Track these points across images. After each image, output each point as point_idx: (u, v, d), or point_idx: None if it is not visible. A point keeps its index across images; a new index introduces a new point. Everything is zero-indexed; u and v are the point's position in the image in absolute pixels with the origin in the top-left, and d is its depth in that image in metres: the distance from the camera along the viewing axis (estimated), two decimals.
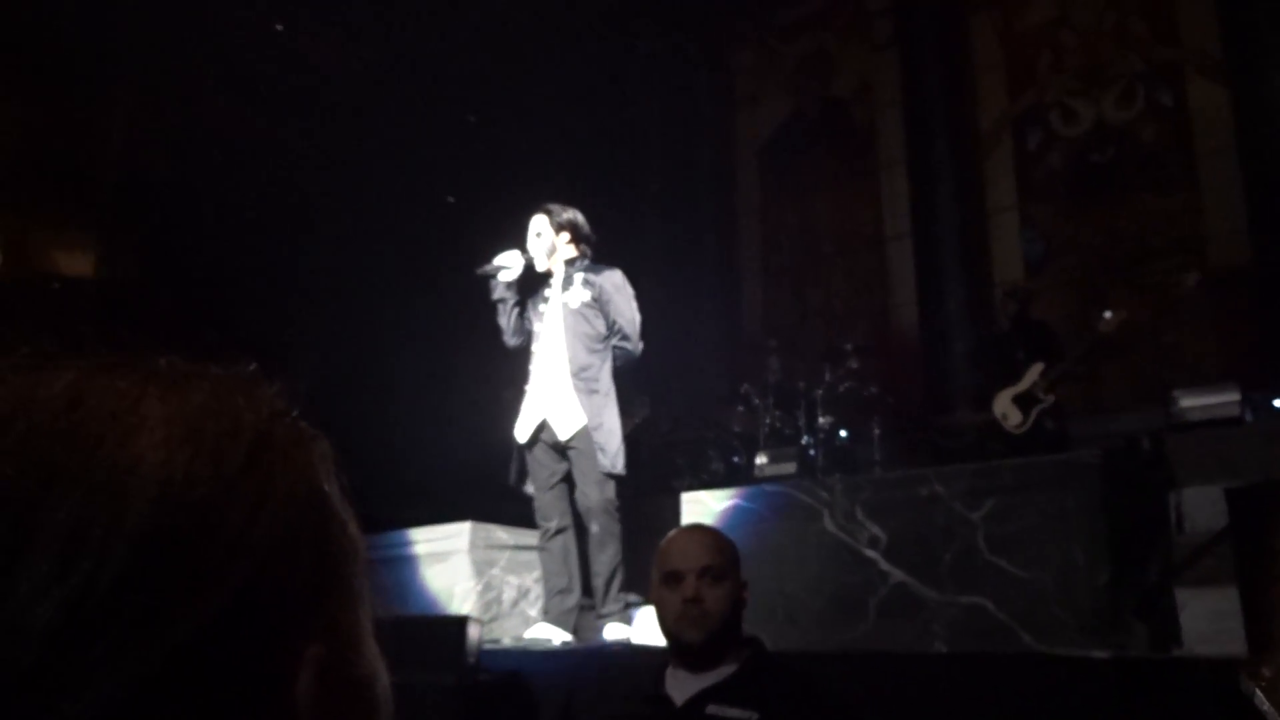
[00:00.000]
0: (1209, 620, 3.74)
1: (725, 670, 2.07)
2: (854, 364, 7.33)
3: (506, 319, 4.40)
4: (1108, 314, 6.22)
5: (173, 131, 7.59)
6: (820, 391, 7.23)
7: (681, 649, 2.13)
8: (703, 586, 2.10)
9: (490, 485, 7.01)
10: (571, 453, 4.17)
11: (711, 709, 1.99)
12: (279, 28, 7.90)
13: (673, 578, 2.14)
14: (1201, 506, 4.58)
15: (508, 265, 4.33)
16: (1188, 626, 3.61)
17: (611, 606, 4.05)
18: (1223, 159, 7.53)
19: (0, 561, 0.39)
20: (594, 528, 4.07)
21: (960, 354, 8.23)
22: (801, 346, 8.63)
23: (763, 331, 9.40)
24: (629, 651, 3.99)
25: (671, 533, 2.34)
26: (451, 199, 8.81)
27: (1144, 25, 8.16)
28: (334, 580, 0.47)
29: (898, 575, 3.43)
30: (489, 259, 4.38)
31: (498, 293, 4.39)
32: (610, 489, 4.12)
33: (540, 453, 4.25)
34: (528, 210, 4.51)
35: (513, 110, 8.97)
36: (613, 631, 3.98)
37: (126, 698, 0.39)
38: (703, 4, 10.31)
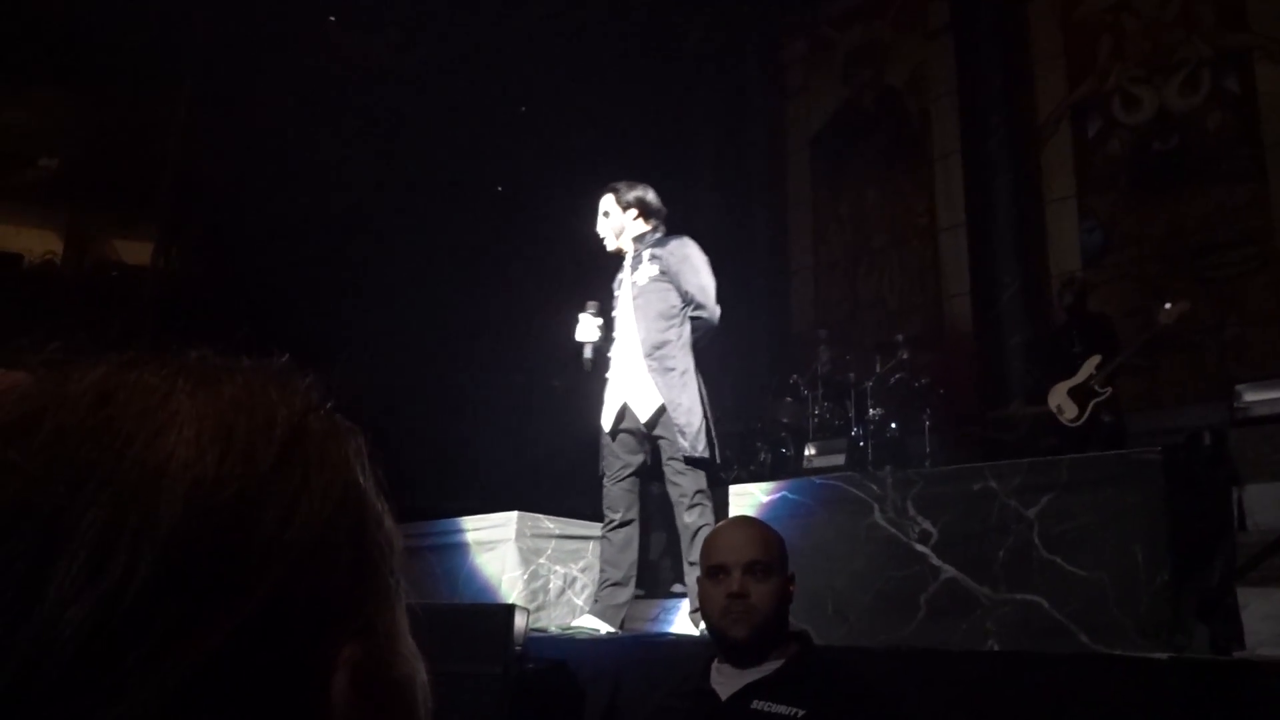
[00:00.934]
0: (1273, 622, 3.63)
1: (771, 665, 2.04)
2: (905, 355, 7.25)
3: (586, 359, 4.30)
4: (1168, 305, 6.09)
5: (230, 130, 7.71)
6: (870, 383, 7.16)
7: (726, 644, 2.10)
8: (749, 582, 2.07)
9: (539, 475, 7.06)
10: (651, 438, 4.06)
11: (757, 704, 1.97)
12: (332, 19, 7.97)
13: (719, 571, 2.12)
14: (1266, 504, 4.46)
15: (593, 339, 4.24)
16: (1250, 628, 3.50)
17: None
18: None
19: (29, 565, 0.38)
20: (686, 518, 3.93)
21: (1015, 346, 8.11)
22: (852, 338, 8.56)
23: (813, 323, 9.33)
24: (675, 642, 3.97)
25: (718, 524, 2.31)
26: (500, 188, 8.84)
27: (1210, 9, 7.94)
28: (370, 579, 0.46)
29: (949, 571, 3.37)
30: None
31: (587, 365, 4.27)
32: (701, 478, 3.96)
33: (620, 441, 4.13)
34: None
35: (565, 103, 8.99)
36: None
37: (160, 704, 0.37)
38: None
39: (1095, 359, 6.24)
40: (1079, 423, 6.20)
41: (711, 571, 2.13)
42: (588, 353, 4.24)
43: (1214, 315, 7.46)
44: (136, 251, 7.99)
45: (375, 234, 8.15)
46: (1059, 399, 6.32)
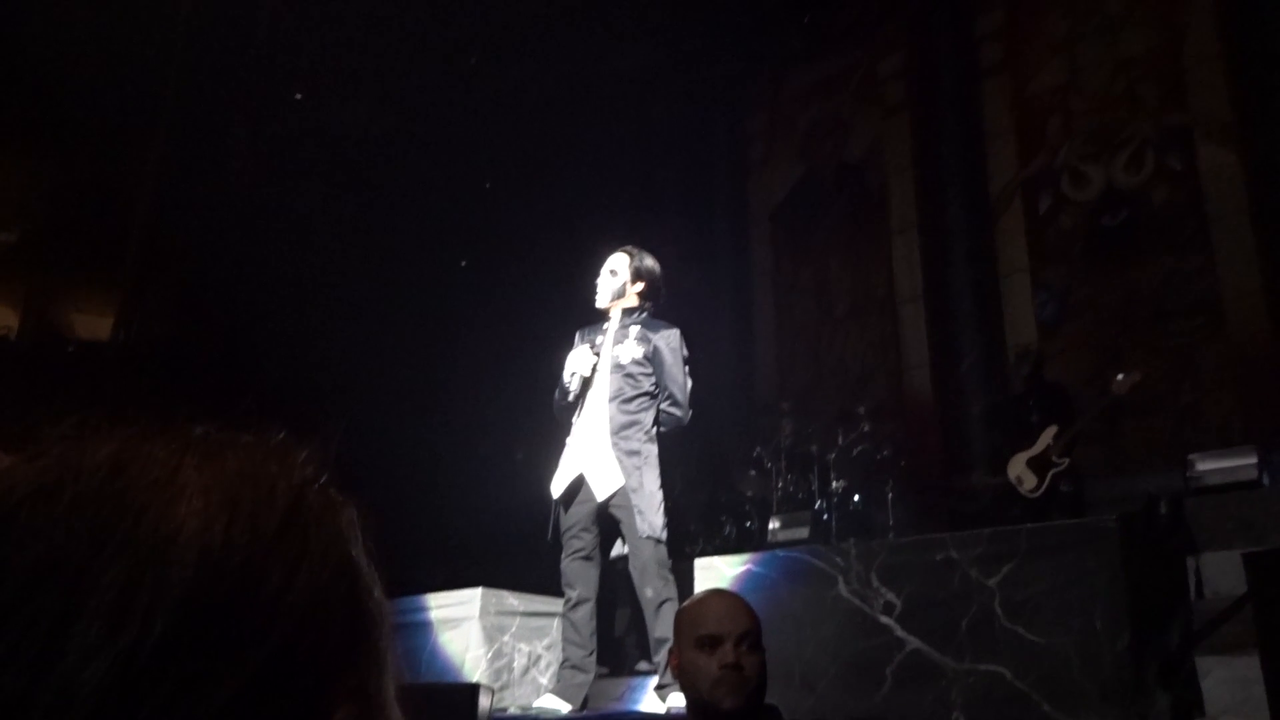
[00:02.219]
0: (1232, 688, 3.66)
1: None
2: (867, 427, 7.31)
3: (568, 405, 4.21)
4: (1121, 375, 6.21)
5: (197, 196, 7.71)
6: (833, 455, 7.21)
7: (717, 716, 2.10)
8: (742, 653, 2.07)
9: (503, 549, 7.00)
10: (615, 513, 4.00)
11: None
12: (298, 97, 8.05)
13: (710, 642, 2.10)
14: (1222, 571, 4.52)
15: (585, 373, 4.16)
16: (1210, 694, 3.53)
17: (672, 676, 3.82)
18: (1235, 222, 7.54)
19: (51, 625, 0.41)
20: (647, 592, 3.87)
21: (975, 416, 8.21)
22: (815, 409, 8.62)
23: (776, 394, 9.40)
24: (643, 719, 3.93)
25: (701, 594, 2.32)
26: (463, 262, 8.90)
27: (1153, 90, 8.23)
28: (363, 644, 0.49)
29: (914, 642, 3.38)
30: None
31: (571, 399, 4.19)
32: (662, 551, 3.91)
33: (574, 515, 4.06)
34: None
35: (531, 175, 9.10)
36: (676, 700, 3.70)
37: None
38: (718, 69, 10.48)
39: (1052, 429, 6.33)
40: (1038, 493, 6.26)
41: (703, 642, 2.11)
42: (574, 384, 4.16)
43: (1168, 383, 7.61)
44: (96, 325, 7.92)
45: (340, 301, 8.14)
46: (1018, 470, 6.39)
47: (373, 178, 8.59)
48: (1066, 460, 6.26)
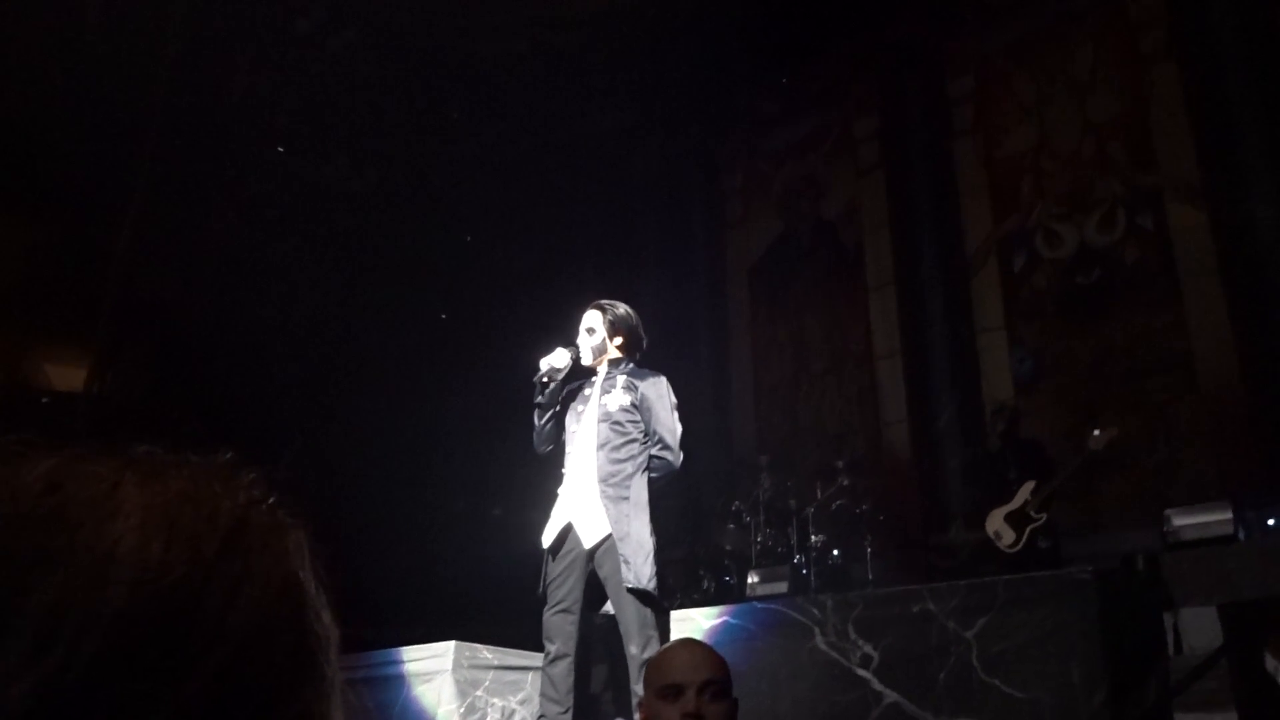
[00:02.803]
0: None
1: None
2: (845, 481, 7.31)
3: (543, 425, 4.19)
4: (1097, 432, 6.24)
5: (173, 251, 7.70)
6: (812, 509, 7.19)
7: None
8: (703, 703, 2.04)
9: (479, 605, 6.91)
10: (598, 566, 3.94)
11: None
12: (280, 150, 8.09)
13: (672, 691, 2.07)
14: (1199, 627, 4.50)
15: (559, 366, 4.13)
16: None
17: None
18: (1205, 280, 7.66)
19: None
20: (632, 649, 3.80)
21: (953, 471, 8.23)
22: (793, 462, 8.62)
23: (754, 448, 9.39)
24: None
25: (668, 644, 2.29)
26: (443, 316, 8.90)
27: (1123, 151, 8.40)
28: (308, 669, 0.47)
29: (891, 696, 3.35)
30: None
31: (547, 398, 4.16)
32: (647, 610, 3.83)
33: (560, 566, 4.01)
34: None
35: (511, 227, 9.15)
36: None
37: None
38: (693, 130, 10.63)
39: (1030, 485, 6.34)
40: (1016, 548, 6.25)
41: (664, 691, 2.08)
42: (545, 373, 4.12)
43: (1144, 439, 7.66)
44: (70, 377, 7.86)
45: (317, 356, 8.11)
46: (996, 525, 6.39)
47: (352, 232, 8.62)
48: (1044, 516, 6.26)
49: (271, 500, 0.51)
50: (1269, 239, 7.26)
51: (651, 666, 2.20)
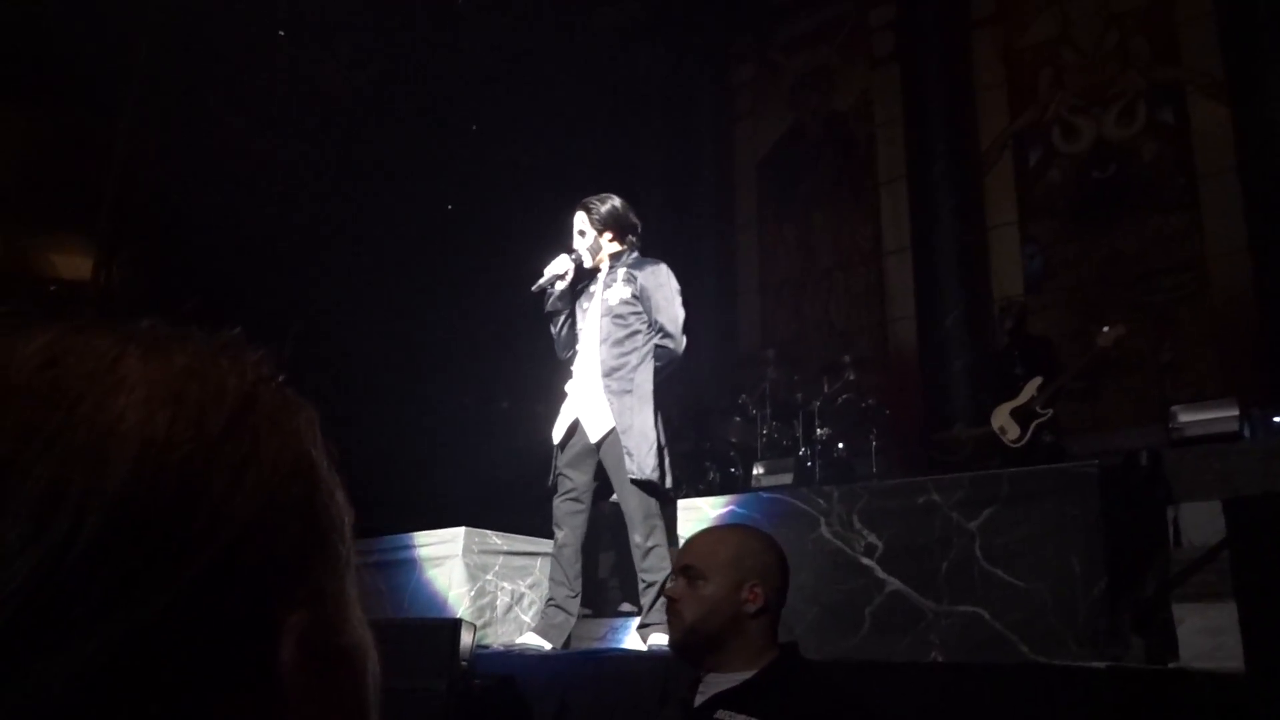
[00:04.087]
0: (1206, 635, 3.71)
1: (742, 675, 2.00)
2: (852, 376, 7.33)
3: (560, 331, 4.21)
4: (1106, 329, 6.23)
5: (176, 144, 7.60)
6: (818, 403, 7.23)
7: (669, 646, 2.14)
8: (680, 587, 2.06)
9: (488, 491, 7.02)
10: (604, 458, 3.99)
11: (721, 714, 1.94)
12: (281, 34, 7.91)
13: (672, 575, 2.14)
14: (1199, 521, 4.56)
15: (560, 273, 4.12)
16: (1185, 641, 3.59)
17: (656, 616, 3.81)
18: (1223, 179, 7.54)
19: None
20: (635, 537, 3.88)
21: (959, 369, 8.24)
22: (799, 359, 8.63)
23: (760, 344, 9.40)
24: (622, 658, 3.96)
25: None
26: (449, 206, 8.82)
27: (1145, 44, 8.19)
28: (320, 548, 0.46)
29: (894, 584, 3.41)
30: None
31: (551, 305, 4.18)
32: (651, 500, 3.90)
33: (569, 456, 4.07)
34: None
35: (517, 122, 9.01)
36: (656, 640, 3.75)
37: (103, 662, 0.38)
38: (704, 19, 10.36)
39: (1036, 381, 6.36)
40: (1020, 443, 6.31)
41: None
42: (545, 280, 4.12)
43: (1151, 340, 7.65)
44: (76, 266, 7.84)
45: (323, 253, 8.07)
46: (1001, 420, 6.43)
47: (355, 126, 8.49)
48: (1050, 411, 6.30)
49: (280, 378, 0.49)
50: None
51: None
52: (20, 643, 0.37)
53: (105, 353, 0.44)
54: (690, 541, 2.19)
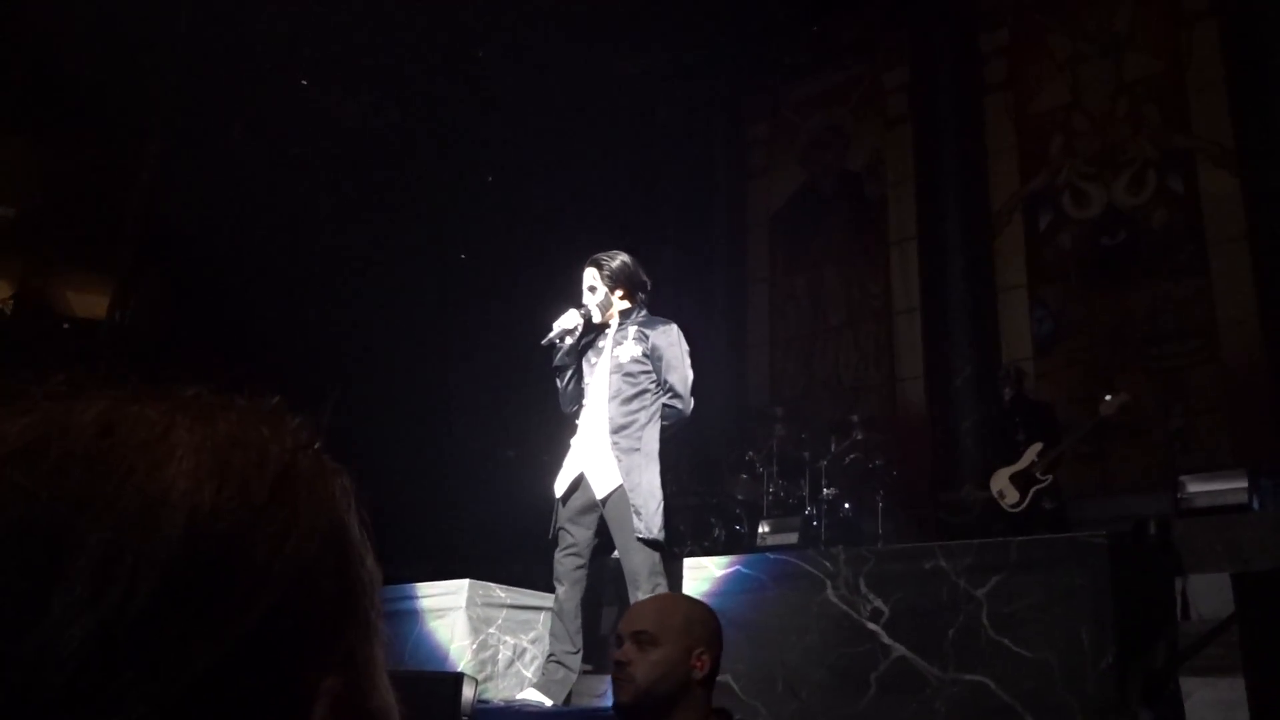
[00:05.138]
0: (1215, 710, 3.67)
1: None
2: (859, 435, 7.32)
3: (565, 385, 4.21)
4: (1109, 397, 6.24)
5: (197, 183, 7.70)
6: (825, 462, 7.21)
7: (615, 710, 2.17)
8: (632, 651, 2.10)
9: (492, 543, 7.00)
10: (607, 514, 3.98)
11: None
12: (304, 82, 8.04)
13: (616, 640, 2.19)
14: (1208, 594, 4.54)
15: (569, 328, 4.12)
16: (1193, 714, 3.55)
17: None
18: (1234, 247, 7.58)
19: (34, 585, 0.40)
20: (639, 594, 3.83)
21: (967, 430, 8.22)
22: (807, 416, 8.63)
23: (769, 399, 9.41)
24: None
25: None
26: (463, 255, 8.89)
27: (1156, 111, 8.27)
28: (352, 612, 0.48)
29: (899, 650, 3.38)
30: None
31: (560, 359, 4.18)
32: (655, 556, 3.90)
33: (571, 511, 4.06)
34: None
35: (534, 171, 9.10)
36: None
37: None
38: (720, 76, 10.50)
39: (1037, 446, 6.37)
40: (1019, 508, 6.30)
41: (615, 640, 2.21)
42: (555, 335, 4.12)
43: (1161, 405, 7.64)
44: (92, 304, 7.91)
45: (338, 294, 8.13)
46: (1001, 484, 6.43)
47: (374, 169, 8.59)
48: (1049, 478, 6.28)
49: (317, 445, 0.51)
50: None
51: None
52: (76, 704, 0.38)
53: (156, 423, 0.46)
54: (639, 608, 2.27)
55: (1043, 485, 6.28)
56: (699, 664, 2.11)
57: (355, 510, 0.51)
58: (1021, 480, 6.34)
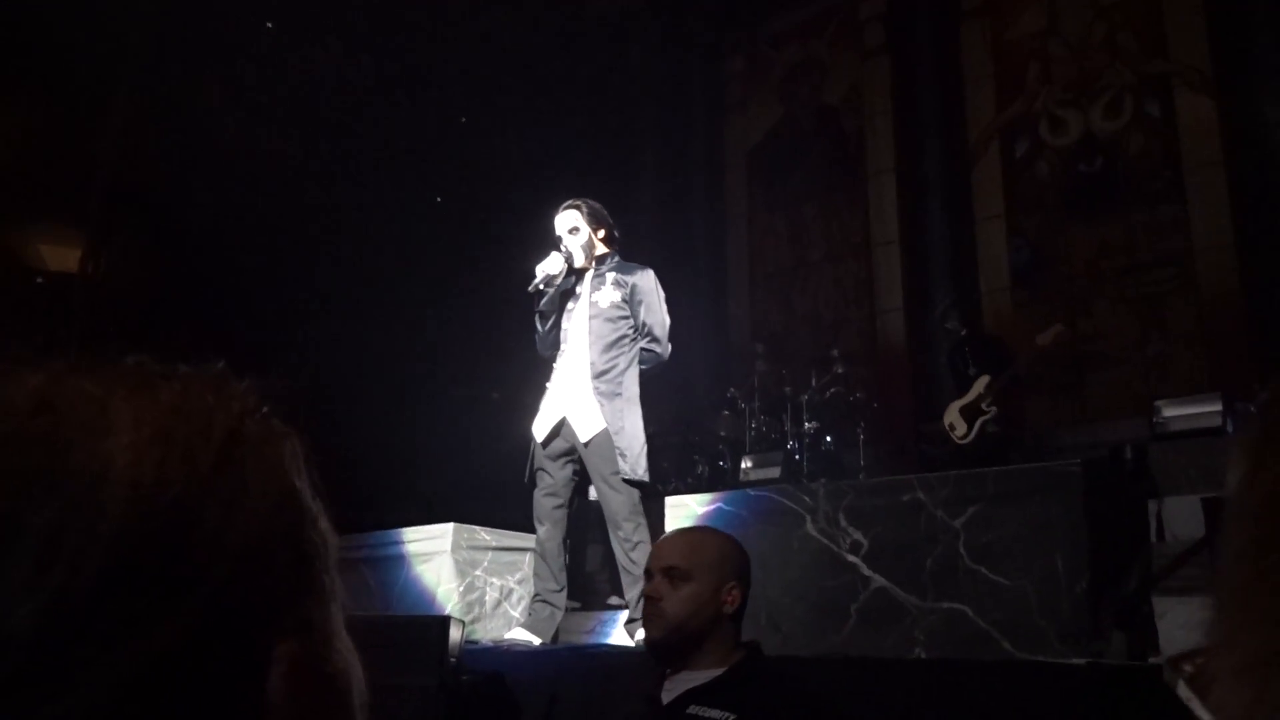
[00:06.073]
0: (1187, 629, 3.75)
1: (712, 673, 2.07)
2: (840, 370, 7.36)
3: (547, 330, 4.23)
4: (1046, 330, 6.37)
5: (167, 136, 7.57)
6: (806, 397, 7.25)
7: (645, 644, 2.19)
8: (663, 586, 2.11)
9: (477, 487, 7.03)
10: (589, 457, 4.04)
11: (692, 709, 2.00)
12: (269, 25, 7.87)
13: (645, 575, 2.20)
14: (1182, 516, 4.60)
15: (554, 272, 4.14)
16: (1166, 635, 3.62)
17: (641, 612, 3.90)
18: (1210, 173, 7.57)
19: None
20: (621, 533, 3.94)
21: (946, 361, 8.27)
22: (789, 352, 8.65)
23: (750, 336, 9.42)
24: (610, 653, 3.99)
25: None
26: (439, 199, 8.80)
27: (1133, 38, 8.20)
28: (307, 577, 0.48)
29: (879, 581, 3.44)
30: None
31: (544, 305, 4.19)
32: (636, 495, 3.98)
33: (551, 454, 4.12)
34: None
35: (508, 114, 8.99)
36: (643, 636, 3.85)
37: (108, 698, 0.39)
38: (695, 11, 10.35)
39: (985, 379, 6.48)
40: (967, 440, 6.43)
41: (646, 575, 2.20)
42: (540, 280, 4.13)
43: (1138, 333, 7.69)
44: (64, 258, 7.81)
45: (314, 243, 8.05)
46: (951, 417, 6.60)
47: (346, 118, 8.46)
48: (994, 409, 6.40)
49: (265, 409, 0.50)
50: (1278, 136, 7.15)
51: None
52: (29, 684, 0.39)
53: (94, 396, 0.45)
54: (669, 543, 2.25)
55: (988, 416, 6.42)
56: (730, 599, 2.11)
57: (306, 473, 0.50)
58: (970, 412, 6.49)
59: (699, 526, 2.61)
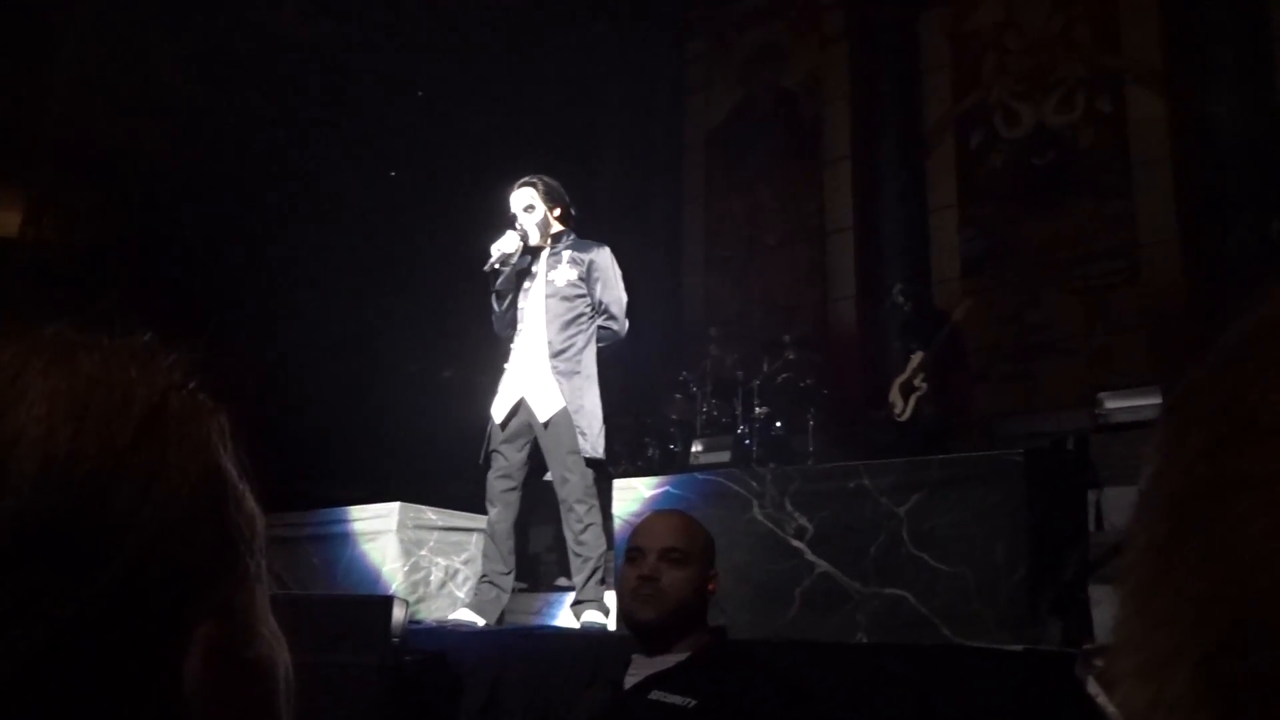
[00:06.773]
0: None
1: (676, 657, 2.08)
2: (792, 355, 7.41)
3: (503, 309, 4.20)
4: (960, 305, 6.87)
5: (118, 96, 7.40)
6: (758, 382, 7.29)
7: (633, 626, 2.16)
8: (661, 567, 2.11)
9: (424, 465, 6.99)
10: (546, 436, 4.02)
11: (655, 694, 2.00)
12: None
13: (636, 554, 2.16)
14: (1122, 505, 4.70)
15: (510, 251, 4.10)
16: (1101, 622, 3.70)
17: (590, 593, 3.90)
18: (1158, 169, 7.70)
19: None
20: (574, 514, 3.94)
21: (898, 350, 8.36)
22: (741, 336, 8.68)
23: (704, 319, 9.44)
24: (555, 635, 4.00)
25: (651, 512, 2.35)
26: (392, 173, 8.70)
27: (1088, 32, 8.30)
28: (229, 559, 0.46)
29: (823, 566, 3.47)
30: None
31: (500, 284, 4.16)
32: (590, 476, 3.99)
33: (509, 434, 4.09)
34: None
35: (469, 87, 8.89)
36: (590, 618, 3.85)
37: (9, 673, 0.38)
38: None
39: (917, 355, 6.63)
40: (903, 417, 6.56)
41: (630, 554, 2.18)
42: (496, 259, 4.11)
43: (1084, 325, 7.82)
44: (4, 222, 7.62)
45: (268, 211, 7.92)
46: (893, 395, 6.73)
47: (302, 83, 8.32)
48: (925, 386, 6.56)
49: (192, 383, 0.48)
50: (1225, 134, 7.28)
51: (630, 533, 2.30)
52: None
53: (7, 365, 0.44)
54: (665, 524, 2.25)
55: (920, 393, 6.56)
56: (712, 586, 2.18)
57: (235, 451, 0.49)
58: (905, 389, 6.62)
59: (682, 511, 2.61)
